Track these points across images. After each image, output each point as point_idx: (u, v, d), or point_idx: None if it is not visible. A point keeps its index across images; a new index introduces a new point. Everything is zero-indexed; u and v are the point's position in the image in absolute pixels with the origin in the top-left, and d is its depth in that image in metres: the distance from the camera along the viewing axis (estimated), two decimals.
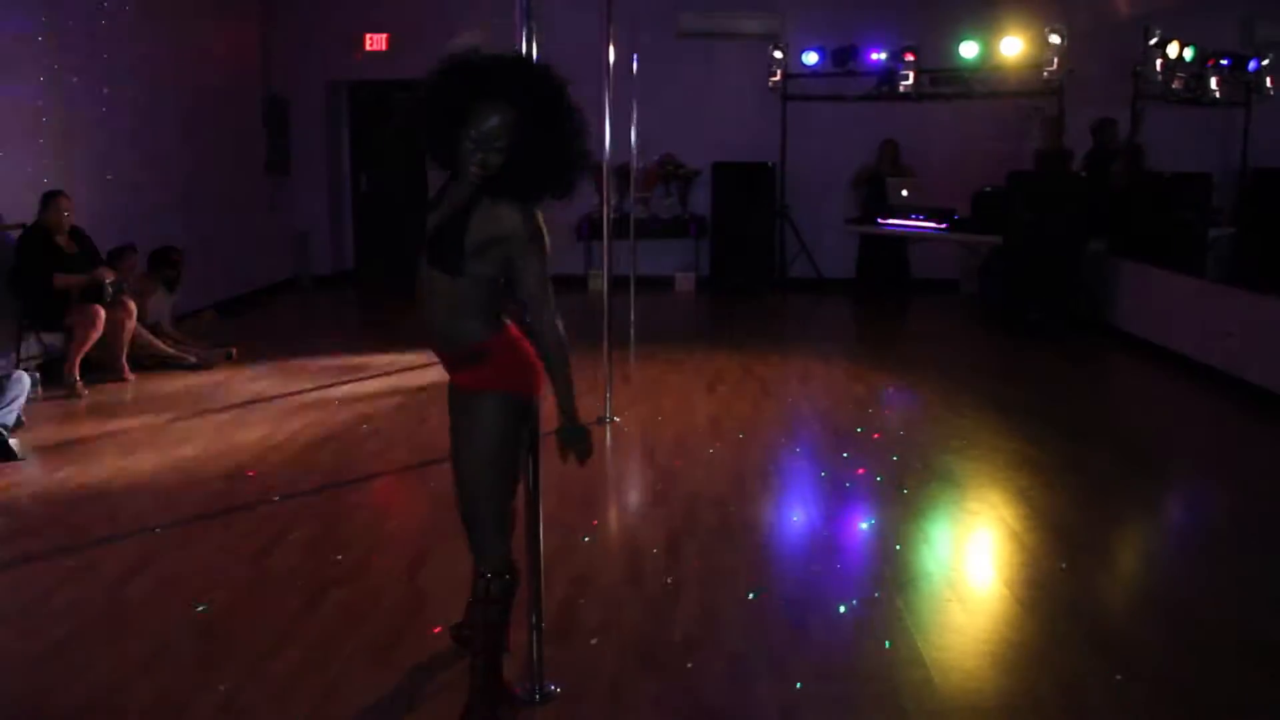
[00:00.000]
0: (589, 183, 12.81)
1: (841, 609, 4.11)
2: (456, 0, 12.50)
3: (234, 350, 8.80)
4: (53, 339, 7.98)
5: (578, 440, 3.21)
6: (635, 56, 8.41)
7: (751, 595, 4.22)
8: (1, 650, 3.78)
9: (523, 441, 3.19)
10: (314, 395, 7.56)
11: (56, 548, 4.74)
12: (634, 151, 8.72)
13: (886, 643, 3.78)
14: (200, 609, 4.07)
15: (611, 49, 6.66)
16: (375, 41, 12.91)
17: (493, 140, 2.92)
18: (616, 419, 6.82)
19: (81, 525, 5.01)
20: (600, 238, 10.23)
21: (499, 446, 3.09)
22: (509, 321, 3.15)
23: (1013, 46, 11.33)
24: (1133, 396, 8.16)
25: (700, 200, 12.87)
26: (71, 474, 5.79)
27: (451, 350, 3.14)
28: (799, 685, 3.50)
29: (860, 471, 5.84)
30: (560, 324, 3.04)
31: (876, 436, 6.55)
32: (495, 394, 3.08)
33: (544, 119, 2.95)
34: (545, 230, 2.99)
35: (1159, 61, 9.91)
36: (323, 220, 13.42)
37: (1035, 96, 11.50)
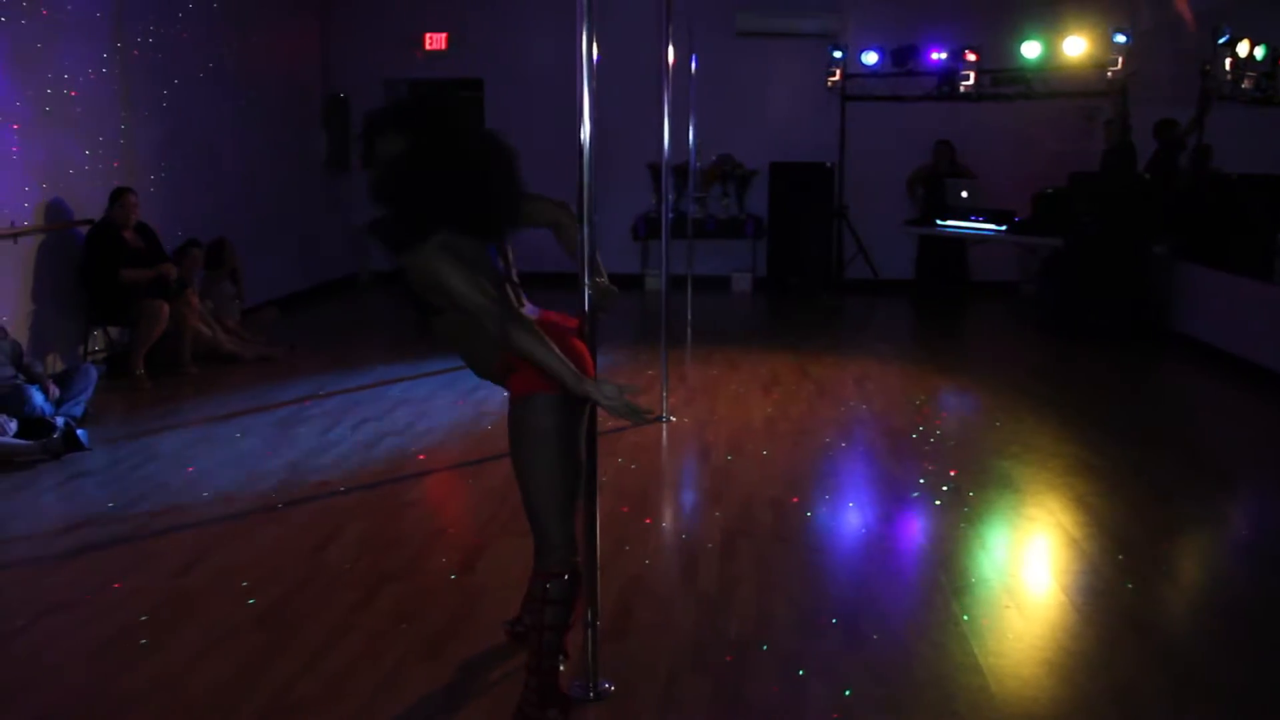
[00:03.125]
0: (646, 182, 12.82)
1: (897, 613, 4.08)
2: (516, 0, 12.61)
3: (294, 346, 8.93)
4: (119, 333, 8.15)
5: (599, 399, 2.99)
6: (694, 56, 8.40)
7: (801, 604, 4.21)
8: (66, 636, 3.86)
9: (578, 438, 3.17)
10: (371, 391, 7.63)
11: (120, 536, 4.83)
12: (692, 151, 8.72)
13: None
14: (250, 602, 4.13)
15: (670, 49, 6.66)
16: (435, 41, 12.99)
17: (379, 163, 3.10)
18: (673, 418, 6.82)
19: (144, 515, 5.11)
20: (657, 237, 10.25)
21: (549, 446, 3.08)
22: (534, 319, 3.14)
23: (1076, 46, 11.18)
24: (1196, 402, 8.02)
25: (757, 200, 12.82)
26: (135, 465, 5.90)
27: (484, 374, 3.25)
28: (852, 688, 3.48)
29: (916, 475, 5.79)
30: (519, 331, 2.93)
31: (933, 440, 6.49)
32: (539, 395, 3.08)
33: (421, 152, 3.04)
34: (452, 257, 2.95)
35: (1228, 60, 9.72)
36: None
37: (1099, 97, 11.34)
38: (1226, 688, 3.55)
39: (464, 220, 3.04)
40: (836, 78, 12.21)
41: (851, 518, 5.20)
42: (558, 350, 2.94)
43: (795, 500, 5.35)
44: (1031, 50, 11.58)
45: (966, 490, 5.51)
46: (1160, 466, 6.03)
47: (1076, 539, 4.85)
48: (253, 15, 10.69)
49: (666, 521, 5.18)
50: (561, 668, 3.35)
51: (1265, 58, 10.06)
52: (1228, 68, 9.73)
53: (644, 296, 12.23)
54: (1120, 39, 10.68)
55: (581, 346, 3.15)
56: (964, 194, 11.59)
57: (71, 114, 7.81)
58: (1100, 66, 10.99)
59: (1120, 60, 10.71)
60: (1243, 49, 9.78)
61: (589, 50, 3.13)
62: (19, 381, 6.27)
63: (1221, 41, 9.63)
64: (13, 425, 6.04)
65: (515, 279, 3.29)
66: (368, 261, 13.37)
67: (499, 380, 3.23)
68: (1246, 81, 10.07)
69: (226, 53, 10.10)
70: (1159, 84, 10.73)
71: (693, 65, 8.33)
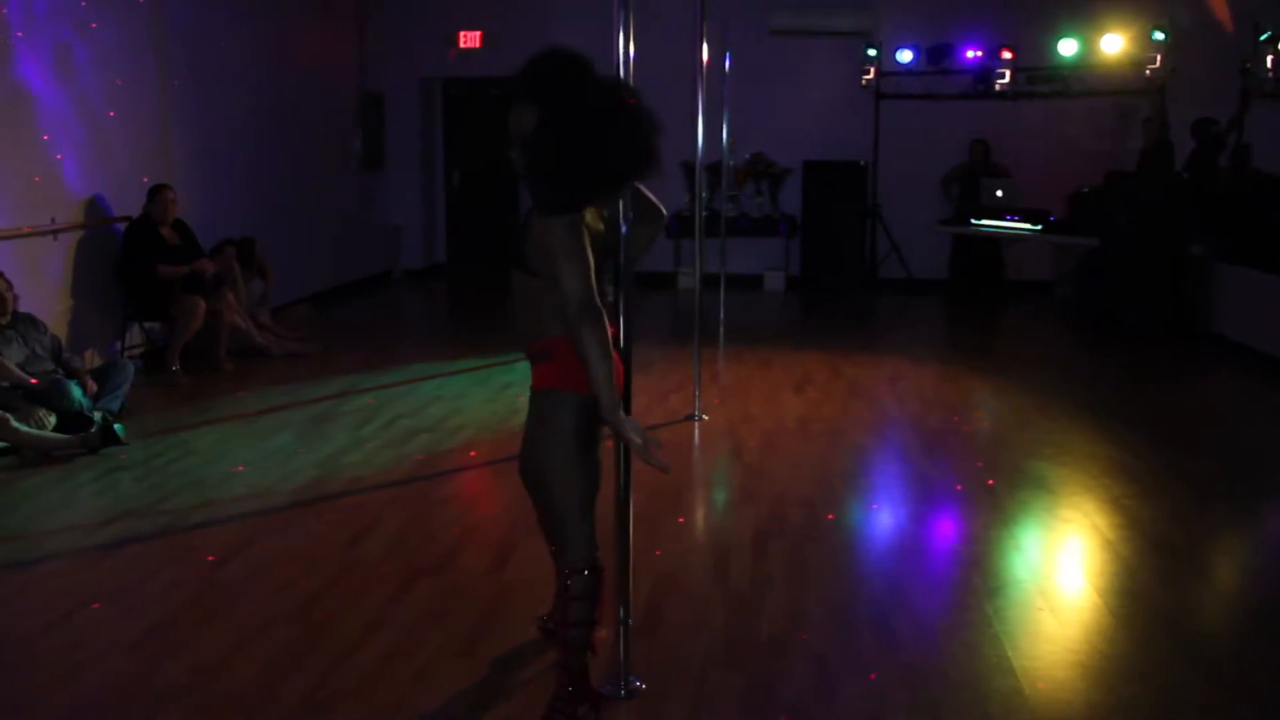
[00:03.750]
0: (680, 180, 12.79)
1: (930, 614, 4.06)
2: None
3: (327, 345, 8.97)
4: (155, 329, 8.22)
5: (625, 433, 2.95)
6: (728, 55, 8.38)
7: (832, 604, 4.20)
8: (104, 629, 3.90)
9: (597, 439, 3.16)
10: (405, 387, 7.67)
11: (156, 530, 4.88)
12: (725, 150, 8.71)
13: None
14: (284, 597, 4.16)
15: (704, 47, 6.66)
16: (469, 39, 13.04)
17: (515, 138, 3.00)
18: (705, 417, 6.81)
19: (180, 510, 5.15)
20: (690, 235, 10.24)
21: (567, 444, 3.09)
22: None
23: (1114, 44, 11.08)
24: (1233, 404, 7.93)
25: (791, 199, 12.79)
26: (171, 459, 5.96)
27: (525, 346, 3.19)
28: (884, 689, 3.47)
29: (950, 476, 5.76)
30: (594, 333, 2.88)
31: (967, 441, 6.45)
32: (561, 393, 3.08)
33: (552, 122, 2.91)
34: (583, 242, 2.93)
35: (1270, 58, 9.61)
36: (415, 215, 13.60)
37: (1136, 95, 11.24)
38: (1263, 691, 3.51)
39: (595, 189, 2.98)
40: (871, 76, 12.17)
41: (884, 518, 5.18)
42: (612, 369, 2.91)
43: (827, 500, 5.34)
44: (1068, 48, 11.50)
45: (1000, 491, 5.47)
46: (1197, 468, 5.96)
47: (1111, 541, 4.81)
48: (289, 14, 10.77)
49: (698, 520, 5.18)
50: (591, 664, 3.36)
51: None
52: (1269, 65, 9.62)
53: (677, 295, 12.23)
54: (1159, 36, 10.59)
55: (615, 356, 3.11)
56: (999, 193, 11.52)
57: (110, 112, 7.89)
58: (1138, 64, 10.90)
59: (1159, 58, 10.62)
60: None
61: (625, 48, 3.13)
62: (58, 376, 6.34)
63: (1263, 39, 9.53)
64: (51, 419, 6.11)
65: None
66: (400, 259, 13.45)
67: (531, 358, 3.20)
68: None
69: (263, 51, 10.18)
70: (1198, 82, 10.63)
71: (727, 64, 8.31)
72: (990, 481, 5.62)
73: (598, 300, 2.92)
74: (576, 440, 3.09)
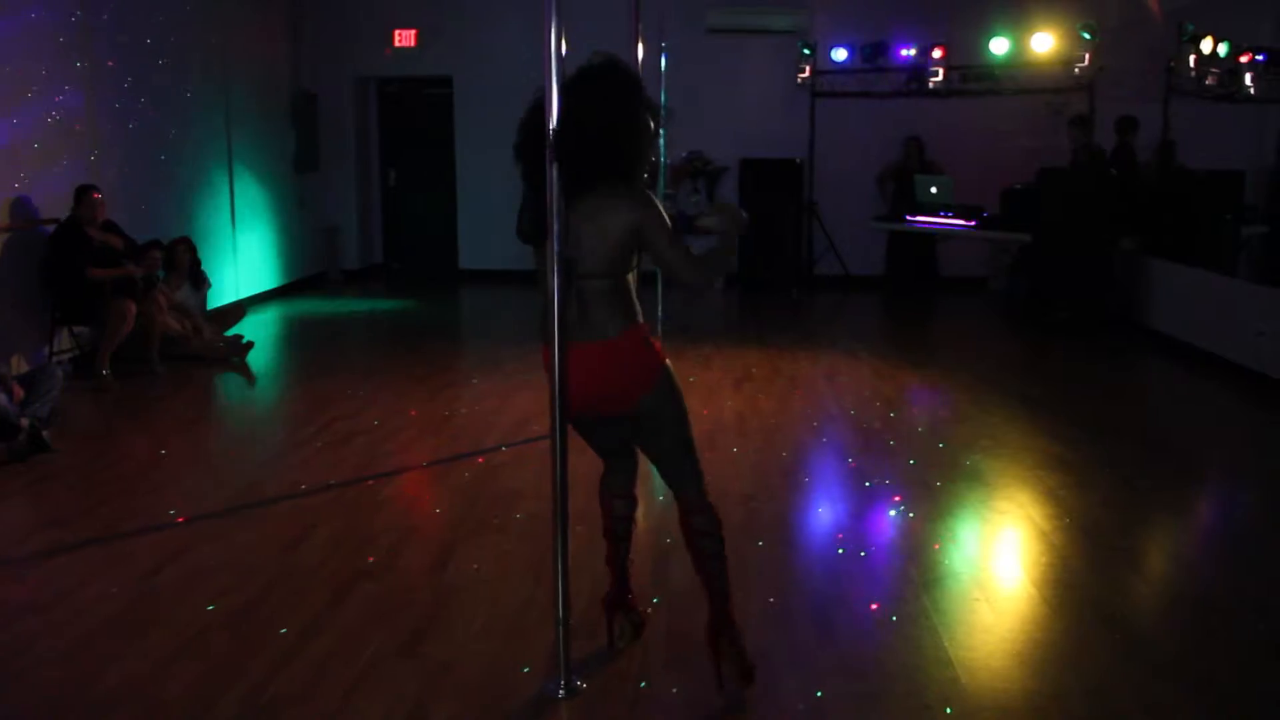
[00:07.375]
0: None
1: (868, 607, 4.10)
2: None
3: (251, 344, 8.79)
4: (84, 332, 8.07)
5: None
6: (664, 53, 8.39)
7: (772, 600, 4.23)
8: (36, 639, 3.83)
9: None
10: (341, 390, 7.59)
11: (88, 539, 4.79)
12: (662, 148, 8.71)
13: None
14: (219, 604, 4.11)
15: (640, 45, 6.66)
16: (404, 37, 12.95)
17: None
18: None
19: (112, 517, 5.06)
20: None
21: None
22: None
23: (1044, 43, 11.25)
24: (1163, 396, 8.10)
25: (727, 196, 12.83)
26: (102, 466, 5.85)
27: None
28: (824, 683, 3.49)
29: (887, 470, 5.82)
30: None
31: (904, 435, 6.52)
32: None
33: None
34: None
35: (1193, 57, 9.81)
36: (351, 215, 13.47)
37: (1066, 93, 11.41)
38: (1196, 678, 3.58)
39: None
40: (806, 74, 12.24)
41: (822, 513, 5.22)
42: None
43: (766, 496, 5.37)
44: (1000, 47, 11.64)
45: (936, 484, 5.54)
46: (1129, 459, 6.08)
47: (1046, 532, 4.89)
48: (221, 12, 10.61)
49: (637, 518, 5.16)
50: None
51: (1228, 54, 10.16)
52: (1191, 64, 9.83)
53: None
54: (1087, 35, 10.76)
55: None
56: (933, 190, 11.64)
57: (36, 112, 7.73)
58: (1068, 62, 11.07)
59: (1087, 56, 10.79)
60: (1206, 46, 9.88)
61: (556, 47, 3.13)
62: None
63: (1185, 38, 9.73)
64: None
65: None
66: (337, 259, 13.31)
67: None
68: (1210, 78, 10.17)
69: (195, 50, 10.02)
70: (1125, 79, 10.82)
71: (663, 62, 8.32)
72: (926, 474, 5.69)
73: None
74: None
